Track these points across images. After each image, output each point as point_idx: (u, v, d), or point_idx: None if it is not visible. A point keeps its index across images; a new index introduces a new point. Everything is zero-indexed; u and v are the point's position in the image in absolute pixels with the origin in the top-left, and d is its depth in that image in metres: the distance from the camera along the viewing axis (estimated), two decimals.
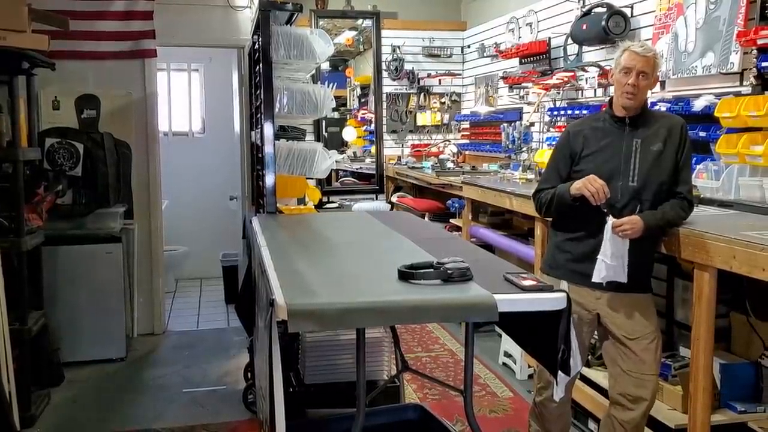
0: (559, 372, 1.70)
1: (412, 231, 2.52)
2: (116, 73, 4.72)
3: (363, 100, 7.00)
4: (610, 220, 2.34)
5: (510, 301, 1.58)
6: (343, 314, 1.51)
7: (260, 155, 3.38)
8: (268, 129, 3.18)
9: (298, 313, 1.47)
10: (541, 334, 1.74)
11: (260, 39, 3.18)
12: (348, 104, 7.63)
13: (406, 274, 1.71)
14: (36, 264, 3.81)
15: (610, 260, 2.34)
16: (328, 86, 3.44)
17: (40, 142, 4.03)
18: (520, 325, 1.89)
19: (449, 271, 1.69)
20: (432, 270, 1.70)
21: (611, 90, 4.02)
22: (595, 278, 2.38)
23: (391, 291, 1.65)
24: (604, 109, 2.59)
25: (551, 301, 1.61)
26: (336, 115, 7.78)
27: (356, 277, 1.85)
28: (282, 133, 3.55)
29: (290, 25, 3.46)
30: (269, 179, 3.16)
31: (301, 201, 3.72)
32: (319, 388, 2.67)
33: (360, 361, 1.78)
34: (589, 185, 2.35)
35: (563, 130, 2.66)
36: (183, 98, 6.90)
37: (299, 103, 3.34)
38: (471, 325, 1.83)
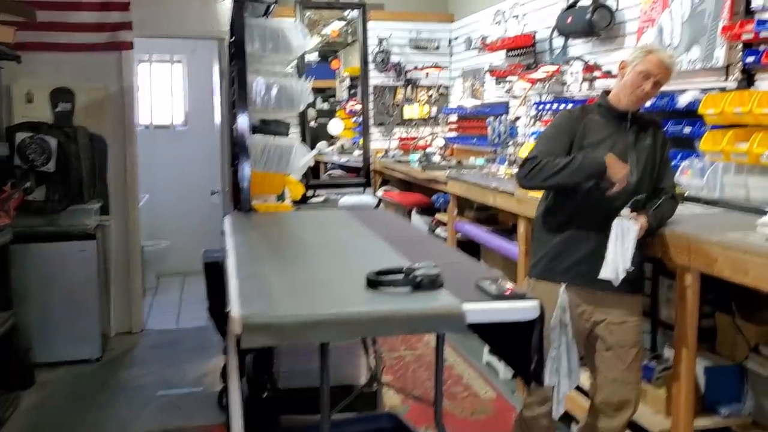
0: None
1: (390, 232, 2.42)
2: (92, 65, 4.59)
3: (352, 91, 6.88)
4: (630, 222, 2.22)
5: (479, 312, 1.50)
6: (303, 328, 1.43)
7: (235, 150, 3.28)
8: (243, 123, 3.07)
9: (253, 326, 1.39)
10: (517, 343, 1.66)
11: (233, 31, 3.08)
12: (337, 96, 7.52)
13: (374, 282, 1.63)
14: (4, 263, 3.71)
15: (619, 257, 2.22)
16: (307, 79, 3.34)
17: (10, 137, 3.92)
18: (495, 333, 1.81)
19: (418, 279, 1.61)
20: (401, 277, 1.62)
21: (597, 84, 3.97)
22: (608, 277, 2.26)
23: (357, 300, 1.56)
24: (592, 103, 2.52)
25: (523, 310, 1.54)
26: (326, 106, 7.65)
27: (323, 284, 1.76)
28: (263, 126, 3.44)
29: (266, 17, 3.36)
30: (243, 175, 3.06)
31: (281, 197, 3.62)
32: (294, 393, 2.59)
33: (324, 372, 1.70)
34: (623, 170, 2.23)
35: (562, 110, 2.58)
36: (165, 90, 6.77)
37: (275, 98, 3.24)
38: (441, 336, 1.75)
